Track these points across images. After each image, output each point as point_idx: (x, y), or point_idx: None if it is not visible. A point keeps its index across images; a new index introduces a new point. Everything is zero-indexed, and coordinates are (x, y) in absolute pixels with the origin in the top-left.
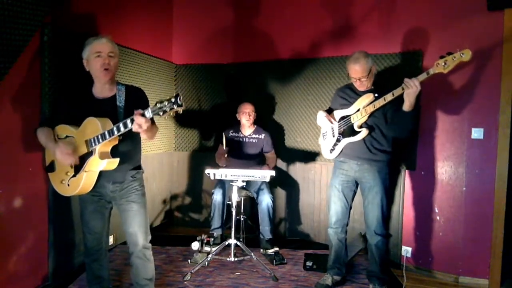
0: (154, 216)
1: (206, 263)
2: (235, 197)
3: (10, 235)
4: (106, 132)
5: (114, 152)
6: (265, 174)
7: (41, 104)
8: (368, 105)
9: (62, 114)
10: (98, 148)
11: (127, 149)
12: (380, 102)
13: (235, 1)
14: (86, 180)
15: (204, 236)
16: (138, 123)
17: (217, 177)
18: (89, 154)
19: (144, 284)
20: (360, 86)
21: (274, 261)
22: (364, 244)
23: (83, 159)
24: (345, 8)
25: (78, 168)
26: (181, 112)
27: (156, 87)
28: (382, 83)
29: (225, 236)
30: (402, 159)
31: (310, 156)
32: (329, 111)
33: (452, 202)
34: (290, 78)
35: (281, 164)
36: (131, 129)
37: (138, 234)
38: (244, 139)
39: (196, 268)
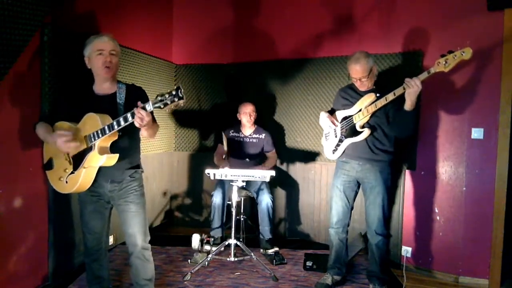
0: (154, 216)
1: (206, 263)
2: (235, 197)
3: (10, 235)
4: (106, 127)
5: (113, 149)
6: (265, 174)
7: (41, 104)
8: (370, 105)
9: (62, 112)
10: (98, 143)
11: (126, 145)
12: (382, 102)
13: (235, 1)
14: (84, 177)
15: (204, 236)
16: (139, 116)
17: (217, 177)
18: (88, 150)
19: (143, 284)
20: (361, 86)
21: (274, 261)
22: (364, 244)
23: (82, 155)
24: (346, 8)
25: (76, 165)
26: (182, 105)
27: (156, 87)
28: (383, 82)
29: (225, 236)
30: (402, 159)
31: (310, 156)
32: (331, 112)
33: (452, 202)
34: (290, 78)
35: (281, 164)
36: (130, 126)
37: (137, 235)
38: (245, 139)
39: (196, 268)
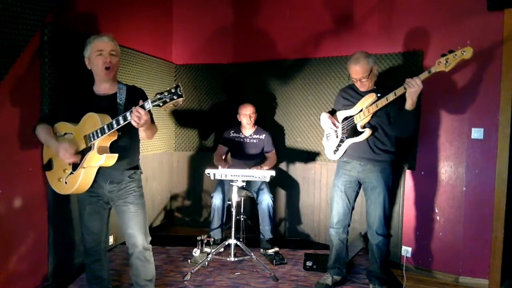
0: (154, 216)
1: (206, 263)
2: (235, 197)
3: (10, 235)
4: (105, 126)
5: (112, 149)
6: (265, 174)
7: (41, 104)
8: (371, 105)
9: (62, 113)
10: (97, 143)
11: (126, 146)
12: (383, 102)
13: (235, 1)
14: (84, 177)
15: (204, 236)
16: (136, 115)
17: (217, 177)
18: (88, 149)
19: (144, 285)
20: (361, 87)
21: (274, 261)
22: (365, 244)
23: (82, 155)
24: (346, 8)
25: (76, 165)
26: (181, 103)
27: (156, 87)
28: (383, 82)
29: (225, 236)
30: (402, 159)
31: (310, 156)
32: (332, 113)
33: (452, 202)
34: (290, 78)
35: (281, 164)
36: (130, 126)
37: (137, 235)
38: (245, 139)
39: (196, 268)
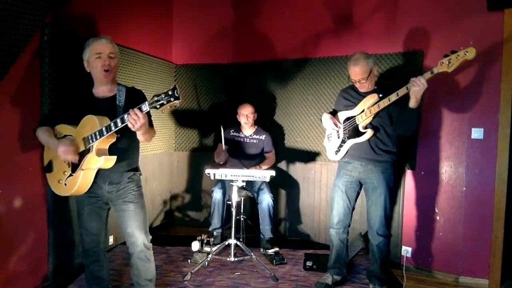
0: (154, 216)
1: (206, 263)
2: (235, 197)
3: (10, 235)
4: (103, 128)
5: (111, 151)
6: (265, 174)
7: (41, 104)
8: (372, 105)
9: (62, 114)
10: (96, 145)
11: (125, 148)
12: (385, 103)
13: (235, 1)
14: (83, 179)
15: (204, 236)
16: (133, 117)
17: (217, 177)
18: (87, 151)
19: (144, 285)
20: (361, 88)
21: (274, 261)
22: (365, 244)
23: (81, 157)
24: (346, 8)
25: (75, 167)
26: (178, 105)
27: (156, 87)
28: (384, 83)
29: (225, 236)
30: (403, 159)
31: (310, 156)
32: (333, 113)
33: (452, 202)
34: (290, 78)
35: (281, 164)
36: (129, 127)
37: (137, 234)
38: (245, 139)
39: (196, 268)
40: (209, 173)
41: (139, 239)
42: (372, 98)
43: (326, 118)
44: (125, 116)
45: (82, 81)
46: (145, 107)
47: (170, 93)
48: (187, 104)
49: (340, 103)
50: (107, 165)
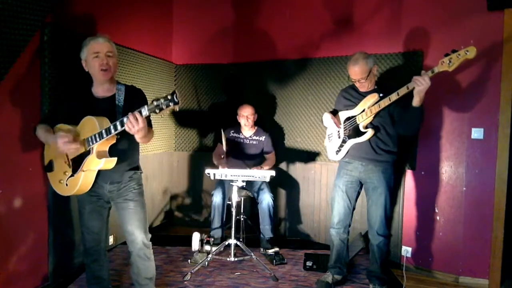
0: (154, 216)
1: (206, 263)
2: (235, 197)
3: (10, 235)
4: (103, 131)
5: (112, 151)
6: (265, 174)
7: (41, 104)
8: (373, 105)
9: (61, 114)
10: (96, 147)
11: (125, 148)
12: (385, 102)
13: (235, 1)
14: (84, 180)
15: (204, 236)
16: (132, 122)
17: (217, 177)
18: (87, 153)
19: (144, 284)
20: (360, 87)
21: (274, 261)
22: (365, 244)
23: (81, 158)
24: (346, 8)
25: (76, 168)
26: (177, 110)
27: (156, 87)
28: (385, 82)
29: (225, 236)
30: (403, 159)
31: (310, 156)
32: (334, 113)
33: (452, 202)
34: (290, 78)
35: (281, 164)
36: None
37: (136, 232)
38: (245, 140)
39: (196, 268)
40: (209, 173)
41: (138, 237)
42: (373, 97)
43: (327, 117)
44: (125, 119)
45: (82, 81)
46: (145, 111)
47: (169, 97)
48: (187, 104)
49: (340, 103)
50: (108, 167)
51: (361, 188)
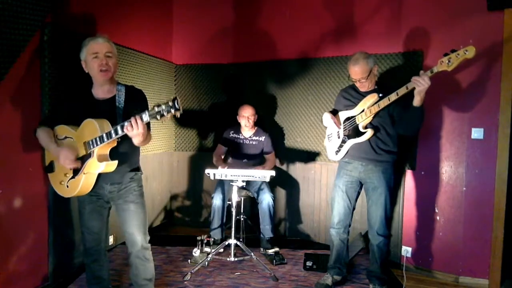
0: (154, 216)
1: (206, 263)
2: (235, 197)
3: (10, 235)
4: (104, 135)
5: (112, 154)
6: (265, 174)
7: (41, 104)
8: (372, 105)
9: (61, 115)
10: (97, 150)
11: (126, 151)
12: (385, 102)
13: (235, 1)
14: (84, 182)
15: (204, 236)
16: (132, 125)
17: (217, 177)
18: (88, 156)
19: (143, 284)
20: (361, 87)
21: (274, 261)
22: (365, 244)
23: (82, 161)
24: (346, 8)
25: (77, 170)
26: (178, 116)
27: (156, 87)
28: (384, 83)
29: (225, 236)
30: (403, 159)
31: (310, 156)
32: (333, 113)
33: (452, 202)
34: (290, 78)
35: (281, 164)
36: None
37: (137, 234)
38: (245, 140)
39: (196, 268)
40: (209, 173)
41: (138, 239)
42: (372, 97)
43: (327, 117)
44: (126, 123)
45: (82, 81)
46: (145, 117)
47: (170, 104)
48: (187, 104)
49: (340, 102)
50: (109, 170)
51: (361, 188)
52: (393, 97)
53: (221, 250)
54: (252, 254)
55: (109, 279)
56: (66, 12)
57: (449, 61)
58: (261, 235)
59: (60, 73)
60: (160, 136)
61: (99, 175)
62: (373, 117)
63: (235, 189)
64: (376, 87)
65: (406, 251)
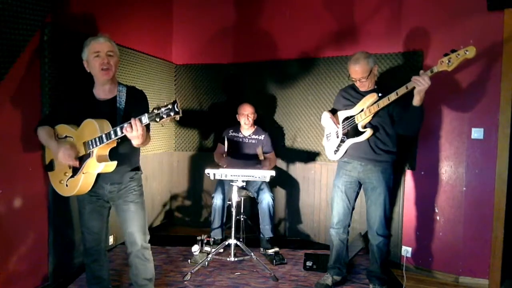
0: (154, 216)
1: (206, 263)
2: (235, 197)
3: (10, 235)
4: (103, 135)
5: (112, 154)
6: (265, 174)
7: (41, 104)
8: (372, 105)
9: (62, 114)
10: (96, 151)
11: (126, 151)
12: (384, 102)
13: (235, 1)
14: (84, 182)
15: (204, 236)
16: (130, 127)
17: (217, 177)
18: (87, 156)
19: (143, 284)
20: (361, 87)
21: (274, 261)
22: (364, 244)
23: (81, 160)
24: (346, 8)
25: (76, 169)
26: (178, 119)
27: (156, 87)
28: (384, 82)
29: (225, 236)
30: (403, 159)
31: (310, 156)
32: (332, 112)
33: (452, 202)
34: (290, 78)
35: (281, 164)
36: None
37: (136, 234)
38: (244, 139)
39: (196, 268)
40: (209, 173)
41: (138, 239)
42: (372, 97)
43: (326, 117)
44: (125, 125)
45: (82, 81)
46: (145, 119)
47: (170, 106)
48: (187, 104)
49: (339, 102)
50: (108, 170)
51: (360, 188)
52: (392, 96)
53: (221, 250)
54: (252, 254)
55: (109, 279)
56: (66, 12)
57: (449, 61)
58: (261, 235)
59: (60, 73)
60: (160, 136)
61: (99, 175)
62: (373, 117)
63: (235, 189)
64: (375, 86)
65: (406, 251)
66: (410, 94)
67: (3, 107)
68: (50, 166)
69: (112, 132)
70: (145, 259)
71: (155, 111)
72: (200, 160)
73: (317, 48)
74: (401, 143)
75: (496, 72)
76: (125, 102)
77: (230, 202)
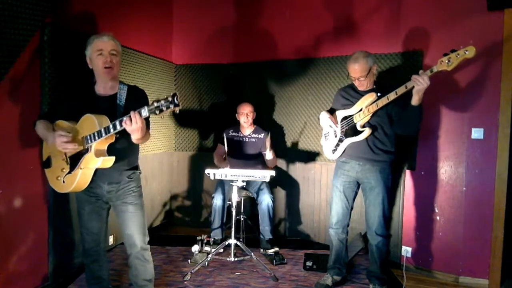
0: (154, 216)
1: (206, 263)
2: (235, 197)
3: (10, 235)
4: (102, 130)
5: (110, 150)
6: (265, 174)
7: (41, 103)
8: (370, 104)
9: (62, 110)
10: (94, 145)
11: (124, 147)
12: (383, 101)
13: (235, 1)
14: (81, 178)
15: (204, 236)
16: (132, 120)
17: (217, 177)
18: (85, 151)
19: (143, 285)
20: (359, 86)
21: (274, 261)
22: (364, 244)
23: (79, 156)
24: (346, 8)
25: (73, 165)
26: (177, 112)
27: (156, 87)
28: (383, 82)
29: (225, 236)
30: (402, 159)
31: (310, 156)
32: (331, 112)
33: (452, 202)
34: (290, 78)
35: (281, 164)
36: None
37: (135, 235)
38: (244, 138)
39: (196, 268)
40: (209, 173)
41: (137, 240)
42: (371, 96)
43: (324, 116)
44: (125, 118)
45: (82, 81)
46: (144, 112)
47: (170, 99)
48: (187, 104)
49: (338, 101)
50: (106, 165)
51: (358, 188)
52: (392, 96)
53: (221, 250)
54: (252, 254)
55: (109, 279)
56: (66, 12)
57: (448, 61)
58: (261, 236)
59: (60, 73)
60: (160, 136)
61: (97, 173)
62: (371, 116)
63: (235, 189)
64: (374, 86)
65: (406, 251)
66: (409, 94)
67: (3, 107)
68: (47, 163)
69: (111, 126)
70: (145, 260)
71: (155, 103)
72: (200, 160)
73: (316, 48)
74: (401, 143)
75: (496, 72)
76: (126, 100)
77: (230, 202)
